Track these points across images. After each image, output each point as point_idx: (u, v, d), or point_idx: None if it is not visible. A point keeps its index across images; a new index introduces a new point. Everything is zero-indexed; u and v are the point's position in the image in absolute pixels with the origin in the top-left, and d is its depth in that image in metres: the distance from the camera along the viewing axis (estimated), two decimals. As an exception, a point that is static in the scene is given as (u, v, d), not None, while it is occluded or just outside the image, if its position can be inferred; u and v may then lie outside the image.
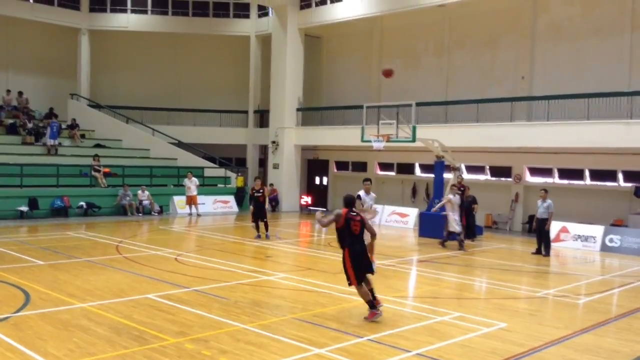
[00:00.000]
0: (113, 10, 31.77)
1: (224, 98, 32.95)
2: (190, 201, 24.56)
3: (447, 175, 20.78)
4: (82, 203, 23.10)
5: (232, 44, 33.00)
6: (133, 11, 31.82)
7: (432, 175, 21.11)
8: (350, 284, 9.12)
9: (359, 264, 9.05)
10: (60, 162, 24.95)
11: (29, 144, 26.20)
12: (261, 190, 18.17)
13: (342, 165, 30.62)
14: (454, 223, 16.79)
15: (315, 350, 7.40)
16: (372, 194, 13.78)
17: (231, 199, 27.51)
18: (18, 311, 8.89)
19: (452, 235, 17.06)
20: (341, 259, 9.25)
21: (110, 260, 13.75)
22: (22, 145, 26.00)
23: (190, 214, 24.67)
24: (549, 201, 16.58)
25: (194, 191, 24.52)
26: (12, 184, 22.44)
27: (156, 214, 24.62)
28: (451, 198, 16.99)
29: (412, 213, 23.16)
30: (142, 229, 20.36)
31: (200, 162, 29.77)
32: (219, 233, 19.73)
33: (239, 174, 29.56)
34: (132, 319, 8.64)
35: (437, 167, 20.29)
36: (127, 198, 23.86)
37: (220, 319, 8.83)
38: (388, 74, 18.08)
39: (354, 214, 9.24)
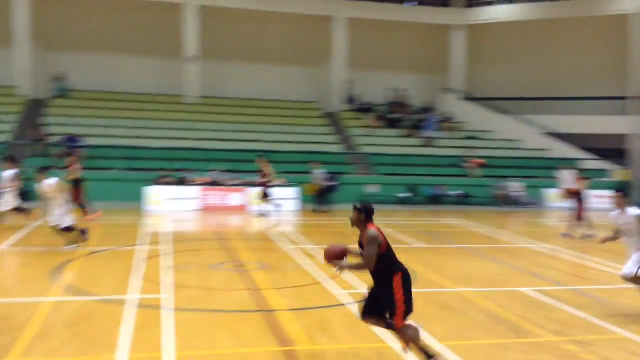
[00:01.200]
0: (483, 4, 32.23)
1: (598, 84, 30.23)
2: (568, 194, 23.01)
3: None
4: (461, 192, 24.14)
5: (607, 24, 29.97)
6: (503, 2, 31.71)
7: None
8: (393, 324, 6.15)
9: (410, 295, 6.24)
10: (435, 152, 26.61)
11: (408, 136, 28.63)
12: None
13: None
14: None
15: None
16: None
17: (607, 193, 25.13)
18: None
19: None
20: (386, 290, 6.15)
21: (484, 249, 14.05)
22: (402, 138, 28.58)
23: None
24: None
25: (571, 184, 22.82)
26: (395, 172, 24.90)
27: (529, 205, 24.13)
28: None
29: None
30: (515, 221, 20.23)
31: (575, 153, 27.99)
32: (600, 230, 18.23)
33: (623, 167, 26.76)
34: (506, 308, 8.63)
35: None
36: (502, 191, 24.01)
37: (602, 323, 8.15)
38: None
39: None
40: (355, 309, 8.29)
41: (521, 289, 9.99)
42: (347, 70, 31.02)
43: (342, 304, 8.61)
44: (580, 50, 31.07)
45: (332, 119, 29.98)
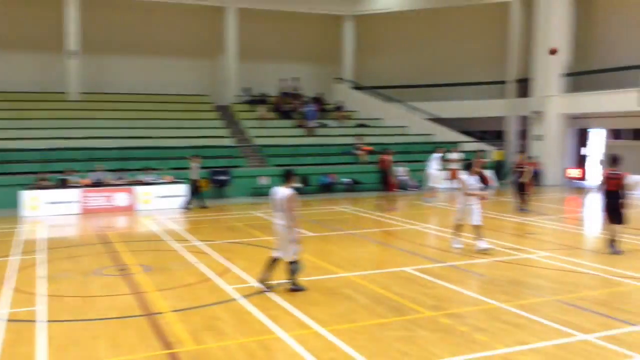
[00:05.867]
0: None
1: (480, 70, 31.97)
2: (454, 175, 24.25)
3: None
4: (349, 179, 24.71)
5: (489, 12, 31.75)
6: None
7: None
8: None
9: None
10: (327, 142, 27.04)
11: (301, 126, 28.88)
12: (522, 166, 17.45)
13: (619, 134, 27.45)
14: None
15: (581, 336, 6.84)
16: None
17: (490, 173, 26.70)
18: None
19: None
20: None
21: (371, 233, 14.50)
22: (296, 129, 28.80)
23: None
24: None
25: (454, 165, 24.06)
26: (288, 164, 25.04)
27: (414, 189, 25.16)
28: None
29: None
30: (400, 204, 21.01)
31: (457, 136, 29.47)
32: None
33: (498, 148, 28.50)
34: (390, 290, 9.00)
35: None
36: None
37: (476, 295, 8.71)
38: (553, 52, 16.16)
39: None
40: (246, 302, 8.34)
41: (404, 268, 10.45)
42: (240, 61, 30.76)
43: (233, 299, 8.60)
44: (463, 38, 32.55)
45: (225, 112, 29.65)
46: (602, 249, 12.04)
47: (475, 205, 11.85)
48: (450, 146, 25.54)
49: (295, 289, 8.94)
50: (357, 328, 7.26)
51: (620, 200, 11.56)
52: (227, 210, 19.50)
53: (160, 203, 19.36)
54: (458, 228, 12.13)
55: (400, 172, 25.23)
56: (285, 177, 9.08)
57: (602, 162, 26.95)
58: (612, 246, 11.69)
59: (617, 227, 11.68)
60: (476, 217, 11.79)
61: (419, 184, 25.50)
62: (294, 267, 8.96)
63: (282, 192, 8.88)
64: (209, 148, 23.68)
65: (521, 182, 18.01)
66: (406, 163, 25.67)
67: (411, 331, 7.12)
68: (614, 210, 11.62)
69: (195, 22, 31.04)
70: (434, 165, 21.99)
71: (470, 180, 11.92)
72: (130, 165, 21.73)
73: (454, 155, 23.94)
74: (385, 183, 19.71)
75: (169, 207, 19.14)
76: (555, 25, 26.43)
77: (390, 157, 18.14)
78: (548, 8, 26.71)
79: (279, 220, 8.90)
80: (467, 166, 12.60)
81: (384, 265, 10.85)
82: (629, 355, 6.25)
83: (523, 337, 6.84)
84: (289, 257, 8.95)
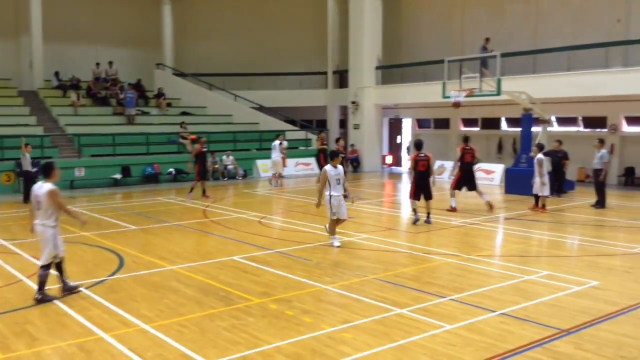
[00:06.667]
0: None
1: (303, 60, 32.88)
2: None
3: (536, 129, 19.87)
4: (172, 169, 24.00)
5: (309, 4, 32.73)
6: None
7: (519, 129, 20.26)
8: None
9: None
10: (149, 130, 25.98)
11: (120, 114, 27.39)
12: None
13: (424, 123, 29.98)
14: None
15: (397, 310, 7.36)
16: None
17: (312, 161, 27.69)
18: (113, 274, 9.39)
19: None
20: None
21: (198, 224, 14.25)
22: (114, 116, 27.24)
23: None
24: (603, 151, 15.98)
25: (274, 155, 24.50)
26: (106, 154, 23.64)
27: (240, 177, 25.22)
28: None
29: (498, 169, 22.42)
30: (227, 193, 20.94)
31: (281, 125, 30.05)
32: (302, 195, 19.96)
33: (323, 134, 29.53)
34: (218, 280, 8.92)
35: (525, 120, 19.41)
36: (215, 165, 24.57)
37: (302, 279, 8.96)
38: (456, 106, 17.87)
39: None
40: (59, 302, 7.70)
41: (233, 257, 10.42)
42: (48, 43, 28.22)
43: (47, 301, 7.90)
44: (286, 28, 33.15)
45: (32, 98, 27.07)
46: (413, 227, 13.14)
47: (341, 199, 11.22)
48: (277, 134, 25.90)
49: (43, 299, 7.84)
50: (185, 321, 7.08)
51: (430, 179, 13.54)
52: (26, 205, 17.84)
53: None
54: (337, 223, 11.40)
55: (228, 161, 25.12)
56: (45, 172, 8.16)
57: (408, 148, 29.33)
58: (416, 215, 13.69)
59: (428, 202, 13.63)
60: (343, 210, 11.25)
61: (245, 173, 25.64)
62: (42, 275, 7.90)
63: (43, 188, 7.94)
64: (14, 137, 21.37)
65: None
66: (231, 152, 25.62)
67: (240, 319, 7.12)
68: (425, 188, 13.48)
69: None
70: (275, 153, 22.62)
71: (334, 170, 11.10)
72: None
73: (284, 144, 24.52)
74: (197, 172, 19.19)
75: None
76: (367, 21, 28.01)
77: (200, 146, 17.90)
78: (359, 4, 28.15)
79: (38, 220, 7.96)
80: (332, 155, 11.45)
81: (211, 255, 10.71)
82: (440, 325, 6.85)
83: (347, 316, 7.19)
84: (42, 260, 7.97)
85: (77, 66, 29.67)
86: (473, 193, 15.85)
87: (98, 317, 7.23)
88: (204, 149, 18.77)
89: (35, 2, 27.76)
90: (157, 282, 8.87)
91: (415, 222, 13.67)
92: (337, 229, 11.55)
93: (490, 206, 15.41)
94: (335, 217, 11.18)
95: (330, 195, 11.09)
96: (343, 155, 18.66)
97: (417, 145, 13.89)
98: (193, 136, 26.02)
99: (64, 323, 7.07)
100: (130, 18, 32.25)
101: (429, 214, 13.65)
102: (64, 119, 25.70)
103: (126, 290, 8.44)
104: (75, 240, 12.03)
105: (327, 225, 11.48)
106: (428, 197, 13.61)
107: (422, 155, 13.54)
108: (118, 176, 22.82)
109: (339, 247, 11.14)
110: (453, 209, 15.39)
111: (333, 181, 11.05)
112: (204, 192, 18.49)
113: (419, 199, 13.72)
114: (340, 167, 11.21)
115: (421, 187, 13.57)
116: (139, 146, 24.67)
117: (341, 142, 20.30)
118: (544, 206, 15.53)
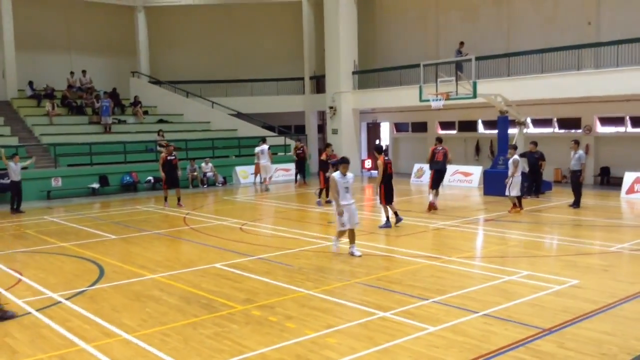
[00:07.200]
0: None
1: (280, 66, 32.88)
2: (259, 170, 24.51)
3: (512, 131, 20.13)
4: (150, 178, 23.79)
5: (284, 10, 32.75)
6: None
7: (496, 132, 20.50)
8: None
9: None
10: (126, 139, 25.73)
11: (96, 123, 27.09)
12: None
13: (402, 127, 30.17)
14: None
15: (380, 314, 7.38)
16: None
17: (292, 166, 27.66)
18: (93, 284, 9.28)
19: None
20: None
21: (178, 232, 14.14)
22: (90, 125, 26.93)
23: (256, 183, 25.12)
24: (580, 152, 16.27)
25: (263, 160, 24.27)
26: (83, 163, 23.36)
27: (220, 184, 25.10)
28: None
29: (476, 171, 22.64)
30: (207, 200, 20.82)
31: (259, 131, 29.98)
32: (282, 201, 19.92)
33: (299, 142, 29.55)
34: (200, 288, 8.86)
35: (501, 122, 19.64)
36: (194, 173, 24.42)
37: (285, 285, 8.93)
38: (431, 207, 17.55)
39: None
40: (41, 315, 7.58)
41: (215, 265, 10.36)
42: (20, 52, 27.82)
43: (27, 313, 7.79)
44: (261, 35, 33.08)
45: (5, 108, 26.66)
46: (393, 230, 13.20)
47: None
48: (262, 139, 25.81)
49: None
50: (168, 330, 7.02)
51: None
52: (15, 216, 17.57)
53: None
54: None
55: (206, 168, 24.99)
56: None
57: (372, 152, 29.45)
58: (397, 217, 13.87)
59: (392, 205, 13.89)
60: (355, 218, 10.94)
61: (225, 180, 25.53)
62: None
63: None
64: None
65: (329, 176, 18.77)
66: (210, 159, 25.49)
67: (223, 327, 7.08)
68: (392, 190, 13.85)
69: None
70: (263, 158, 23.20)
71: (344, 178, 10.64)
72: None
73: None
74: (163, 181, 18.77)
75: None
76: (342, 26, 28.12)
77: (165, 154, 17.59)
78: (334, 9, 28.25)
79: None
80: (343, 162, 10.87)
81: (192, 263, 10.63)
82: (423, 327, 6.89)
83: (330, 321, 7.18)
84: None
85: (51, 75, 29.32)
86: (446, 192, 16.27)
87: (79, 328, 7.13)
88: (170, 157, 18.31)
89: (6, 10, 27.38)
90: (138, 292, 8.77)
91: (397, 222, 13.82)
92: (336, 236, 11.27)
93: (432, 207, 15.93)
94: (344, 229, 10.81)
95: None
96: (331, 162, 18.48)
97: (380, 149, 14.02)
98: (171, 145, 25.83)
99: (44, 335, 6.96)
100: (104, 26, 31.97)
101: (396, 213, 13.91)
102: (39, 129, 25.36)
103: (107, 300, 8.34)
104: (54, 251, 11.86)
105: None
106: (392, 199, 13.92)
107: (387, 159, 13.84)
108: (96, 185, 22.56)
109: (356, 255, 10.67)
110: (432, 205, 15.97)
111: (342, 189, 10.58)
112: (178, 200, 18.33)
113: (391, 203, 13.83)
114: (350, 174, 10.64)
115: (390, 190, 13.78)
116: (116, 155, 24.42)
117: (329, 149, 19.86)
118: (515, 205, 15.68)
